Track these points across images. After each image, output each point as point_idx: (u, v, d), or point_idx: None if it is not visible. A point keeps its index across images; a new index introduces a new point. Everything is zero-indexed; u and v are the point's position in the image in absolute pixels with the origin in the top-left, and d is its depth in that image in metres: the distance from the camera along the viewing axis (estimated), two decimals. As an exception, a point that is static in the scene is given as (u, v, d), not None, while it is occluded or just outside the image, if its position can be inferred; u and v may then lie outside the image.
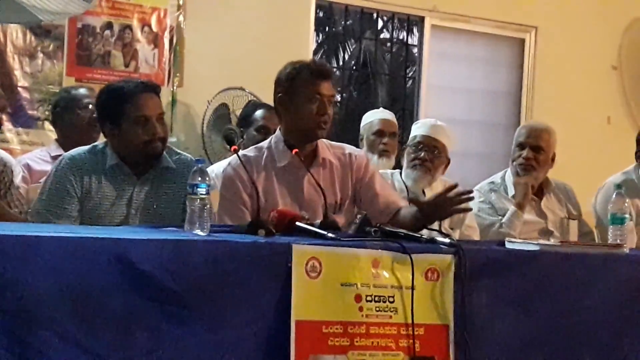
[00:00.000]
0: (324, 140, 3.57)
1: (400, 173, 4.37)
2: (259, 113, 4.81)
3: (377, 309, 2.68)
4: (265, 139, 4.38)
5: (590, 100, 6.94)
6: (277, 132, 3.59)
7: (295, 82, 3.44)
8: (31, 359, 2.24)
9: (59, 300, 2.28)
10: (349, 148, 3.68)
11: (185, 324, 2.43)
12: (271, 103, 4.64)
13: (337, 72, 9.24)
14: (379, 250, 2.73)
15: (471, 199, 3.17)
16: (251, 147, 3.67)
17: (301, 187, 3.46)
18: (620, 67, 7.18)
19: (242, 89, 5.61)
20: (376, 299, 2.67)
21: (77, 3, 4.00)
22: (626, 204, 3.69)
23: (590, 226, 4.62)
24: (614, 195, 3.69)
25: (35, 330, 2.24)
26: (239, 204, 3.38)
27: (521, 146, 4.52)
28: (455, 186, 3.18)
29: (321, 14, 6.55)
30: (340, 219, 3.39)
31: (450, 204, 3.13)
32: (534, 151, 4.47)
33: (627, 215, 3.62)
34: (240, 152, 3.60)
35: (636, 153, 4.68)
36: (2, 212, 3.45)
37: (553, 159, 4.55)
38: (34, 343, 2.24)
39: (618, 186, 3.82)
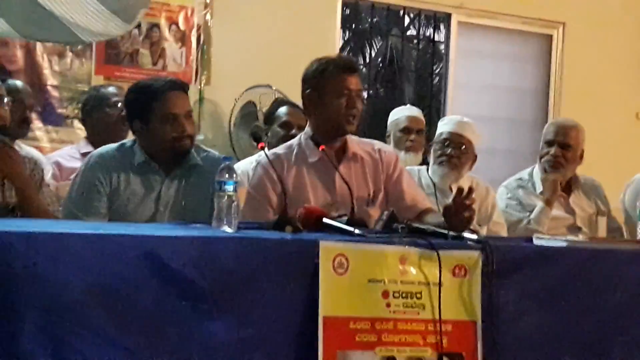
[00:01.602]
0: (353, 136, 3.57)
1: (427, 169, 4.38)
2: (282, 110, 4.83)
3: (405, 305, 2.67)
4: (288, 134, 4.42)
5: (618, 96, 6.90)
6: (307, 128, 3.60)
7: (323, 78, 3.45)
8: (63, 354, 2.25)
9: (89, 296, 2.29)
10: (378, 144, 3.68)
11: (214, 319, 2.43)
12: (298, 100, 4.67)
13: (364, 69, 9.20)
14: (406, 246, 2.72)
15: (470, 193, 3.10)
16: (281, 145, 3.68)
17: (333, 181, 3.46)
18: (649, 63, 7.15)
19: (269, 86, 5.63)
20: (403, 295, 2.67)
21: (117, 24, 3.98)
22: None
23: (619, 222, 4.61)
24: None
25: (66, 325, 2.26)
26: (265, 204, 3.39)
27: (549, 143, 4.51)
28: (460, 191, 3.08)
29: (347, 12, 6.55)
30: (374, 212, 3.40)
31: (461, 209, 3.08)
32: (562, 148, 4.47)
33: (656, 211, 3.61)
34: (271, 150, 3.62)
35: None
36: (42, 208, 3.45)
37: (581, 156, 4.54)
38: (65, 338, 2.26)
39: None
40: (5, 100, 3.40)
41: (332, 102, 3.44)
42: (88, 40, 4.28)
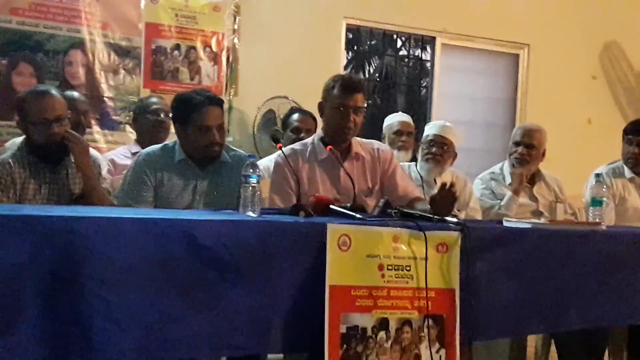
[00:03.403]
0: (357, 138, 3.57)
1: (416, 165, 4.37)
2: (294, 117, 4.81)
3: (397, 276, 2.67)
4: (298, 137, 4.41)
5: (573, 104, 6.88)
6: (319, 130, 3.60)
7: (329, 93, 3.44)
8: (115, 315, 2.26)
9: (138, 268, 2.30)
10: (377, 144, 3.67)
11: (239, 287, 2.43)
12: (310, 109, 4.68)
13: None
14: (399, 228, 2.72)
15: (452, 186, 3.08)
16: (299, 142, 3.68)
17: (338, 176, 3.45)
18: (598, 77, 7.12)
19: (285, 97, 5.62)
20: (396, 267, 2.67)
21: None
22: (604, 189, 3.68)
23: (573, 208, 4.59)
24: (593, 182, 3.68)
25: (118, 293, 2.27)
26: (286, 187, 3.39)
27: (517, 144, 4.49)
28: (444, 185, 3.06)
29: (350, 36, 6.51)
30: (371, 202, 3.40)
31: (446, 198, 3.07)
32: (528, 148, 4.45)
33: (604, 199, 3.61)
34: (290, 146, 3.62)
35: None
36: (103, 196, 3.47)
37: (543, 154, 4.52)
38: (116, 302, 2.27)
39: (597, 175, 3.81)
40: (66, 119, 3.40)
41: (331, 114, 3.43)
42: None
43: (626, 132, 4.68)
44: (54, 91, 3.44)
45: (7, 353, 2.16)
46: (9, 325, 2.16)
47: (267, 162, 4.27)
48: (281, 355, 3.45)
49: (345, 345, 2.56)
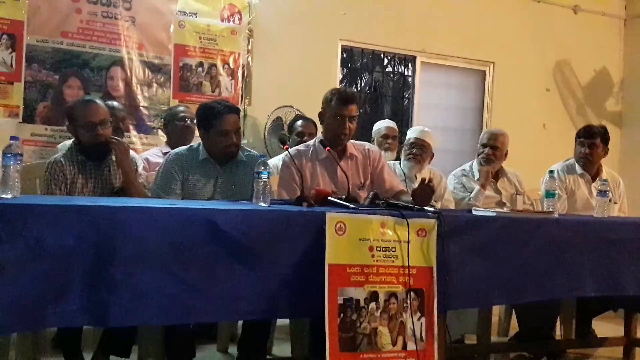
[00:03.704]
0: (351, 140, 3.56)
1: (400, 163, 4.36)
2: (298, 123, 4.81)
3: (384, 256, 2.67)
4: (302, 140, 4.39)
5: (531, 112, 6.87)
6: (319, 133, 3.60)
7: (328, 104, 3.44)
8: (146, 289, 2.28)
9: (166, 249, 2.31)
10: (368, 145, 3.67)
11: (252, 264, 2.45)
12: (311, 116, 4.66)
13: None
14: (386, 216, 2.72)
15: (430, 181, 3.07)
16: (303, 144, 3.68)
17: (335, 172, 3.45)
18: (552, 90, 7.12)
19: (291, 106, 5.60)
20: (383, 249, 2.67)
21: None
22: (556, 184, 3.66)
23: (531, 199, 4.58)
24: (547, 178, 3.67)
25: (150, 269, 2.28)
26: (292, 182, 3.38)
27: (484, 145, 4.49)
28: (424, 180, 3.08)
29: (345, 55, 6.50)
30: (363, 194, 3.39)
31: (425, 191, 3.05)
32: (493, 149, 4.45)
33: (557, 191, 3.60)
34: (294, 148, 3.61)
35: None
36: (139, 189, 3.46)
37: (506, 154, 4.52)
38: (148, 279, 2.28)
39: (551, 172, 3.82)
40: (108, 123, 3.40)
41: (330, 122, 3.44)
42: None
43: (579, 135, 4.63)
44: (98, 100, 3.45)
45: (60, 318, 2.20)
46: (61, 295, 2.18)
47: (276, 161, 4.26)
48: (287, 321, 3.45)
49: (342, 314, 2.56)
